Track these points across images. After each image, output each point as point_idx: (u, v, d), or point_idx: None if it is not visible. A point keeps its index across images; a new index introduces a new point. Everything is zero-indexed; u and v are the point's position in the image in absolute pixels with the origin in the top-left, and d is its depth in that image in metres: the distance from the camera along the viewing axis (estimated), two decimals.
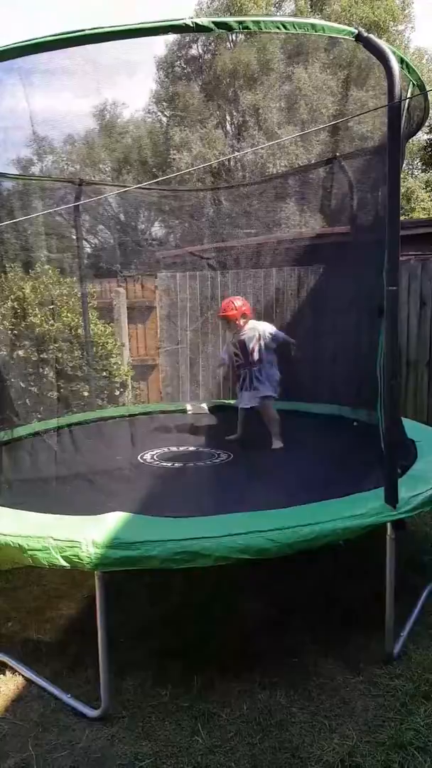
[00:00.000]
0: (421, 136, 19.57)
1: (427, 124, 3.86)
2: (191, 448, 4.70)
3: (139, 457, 4.38)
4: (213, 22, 2.27)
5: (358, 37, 2.44)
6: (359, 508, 2.67)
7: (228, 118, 18.01)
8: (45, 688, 2.62)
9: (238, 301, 4.81)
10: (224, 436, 4.90)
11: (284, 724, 2.37)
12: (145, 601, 3.28)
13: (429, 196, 18.24)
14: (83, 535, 2.39)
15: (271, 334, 4.69)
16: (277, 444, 4.55)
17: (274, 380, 4.73)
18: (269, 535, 2.45)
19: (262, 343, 4.67)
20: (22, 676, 2.72)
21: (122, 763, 2.21)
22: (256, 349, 4.68)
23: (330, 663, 2.75)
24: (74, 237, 5.99)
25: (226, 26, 2.35)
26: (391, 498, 2.69)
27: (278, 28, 2.40)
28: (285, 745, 2.27)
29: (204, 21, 2.27)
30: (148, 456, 4.44)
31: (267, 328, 4.74)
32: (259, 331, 4.70)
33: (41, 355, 5.97)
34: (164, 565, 2.35)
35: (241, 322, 4.73)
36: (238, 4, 17.83)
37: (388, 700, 2.49)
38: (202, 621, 3.11)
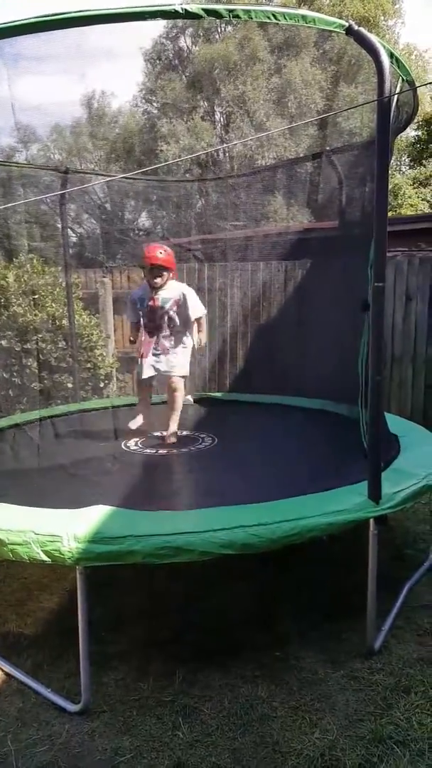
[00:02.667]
0: (409, 133, 19.70)
1: (415, 120, 3.86)
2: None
3: (122, 444, 4.31)
4: (203, 9, 2.22)
5: (349, 31, 2.41)
6: (342, 504, 2.68)
7: (216, 109, 17.90)
8: (25, 682, 2.60)
9: (166, 250, 4.11)
10: (209, 424, 4.60)
11: (265, 719, 2.37)
12: (127, 592, 3.26)
13: (416, 193, 18.30)
14: (65, 529, 2.36)
15: (189, 306, 4.08)
16: (170, 434, 4.13)
17: (185, 355, 4.19)
18: (253, 530, 2.44)
19: (180, 309, 4.09)
20: (2, 670, 2.69)
21: (102, 758, 2.20)
22: (173, 314, 4.09)
23: (312, 656, 2.76)
24: (59, 226, 5.92)
25: (215, 14, 2.31)
26: (375, 493, 2.70)
27: (269, 18, 2.37)
28: (266, 739, 2.27)
29: (193, 8, 2.23)
30: (131, 443, 4.37)
31: (191, 295, 4.13)
32: (181, 293, 4.09)
33: (24, 346, 5.90)
34: (147, 560, 2.34)
35: (164, 276, 4.06)
36: None
37: (369, 695, 2.50)
38: (184, 612, 3.11)
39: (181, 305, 4.09)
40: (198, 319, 4.22)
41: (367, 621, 2.76)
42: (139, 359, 4.27)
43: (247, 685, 2.57)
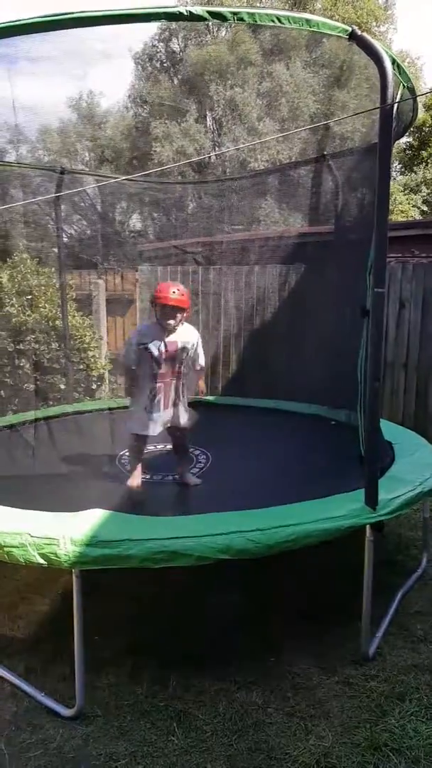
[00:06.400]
0: (401, 139, 19.80)
1: None
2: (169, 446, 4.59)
3: (117, 461, 4.26)
4: (207, 11, 2.21)
5: (352, 36, 2.41)
6: (339, 510, 2.67)
7: (209, 112, 17.90)
8: (18, 686, 2.57)
9: (180, 289, 3.56)
10: (203, 430, 4.39)
11: (260, 725, 2.36)
12: (121, 595, 3.23)
13: (407, 199, 18.42)
14: (61, 532, 2.34)
15: (199, 353, 3.76)
16: (193, 480, 3.75)
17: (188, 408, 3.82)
18: (250, 535, 2.43)
19: (191, 356, 3.72)
20: None
21: (96, 764, 2.18)
22: (185, 359, 3.68)
23: (306, 663, 2.75)
24: (53, 226, 5.88)
25: (220, 16, 2.29)
26: (371, 500, 2.70)
27: (273, 21, 2.37)
28: (261, 745, 2.26)
29: (198, 10, 2.22)
30: (125, 459, 4.33)
31: (199, 344, 3.77)
32: (194, 341, 3.70)
33: (17, 346, 5.86)
34: (144, 564, 2.32)
35: (177, 318, 3.57)
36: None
37: (364, 702, 2.50)
38: (179, 617, 3.09)
39: (194, 350, 3.73)
40: (202, 367, 3.89)
41: (362, 627, 2.76)
42: (145, 412, 3.64)
43: (242, 691, 2.56)
